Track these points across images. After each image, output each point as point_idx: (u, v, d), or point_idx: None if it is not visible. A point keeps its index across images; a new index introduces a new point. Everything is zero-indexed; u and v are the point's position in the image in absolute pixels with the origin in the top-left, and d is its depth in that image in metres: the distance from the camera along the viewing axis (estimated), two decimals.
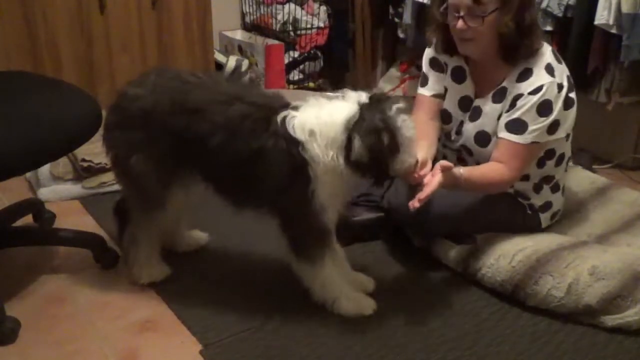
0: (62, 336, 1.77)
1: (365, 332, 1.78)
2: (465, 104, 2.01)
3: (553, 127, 1.84)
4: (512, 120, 1.84)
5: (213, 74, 1.80)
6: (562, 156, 2.00)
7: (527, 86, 1.83)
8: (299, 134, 1.64)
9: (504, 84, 1.89)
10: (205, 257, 2.14)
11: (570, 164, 2.56)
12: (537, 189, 2.02)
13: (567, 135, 1.97)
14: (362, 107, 1.62)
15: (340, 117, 1.62)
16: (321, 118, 1.64)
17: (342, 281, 1.84)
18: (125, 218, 1.97)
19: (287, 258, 1.82)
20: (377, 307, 1.85)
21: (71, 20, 3.00)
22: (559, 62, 1.88)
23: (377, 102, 1.64)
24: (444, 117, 2.06)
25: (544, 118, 1.81)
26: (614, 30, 2.56)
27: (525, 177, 1.97)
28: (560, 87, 1.82)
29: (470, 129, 1.98)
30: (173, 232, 2.08)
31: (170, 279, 1.99)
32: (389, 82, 3.89)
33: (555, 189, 2.05)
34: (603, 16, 2.55)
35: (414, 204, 1.63)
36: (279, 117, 1.66)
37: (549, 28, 2.81)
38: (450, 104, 2.04)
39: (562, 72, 1.86)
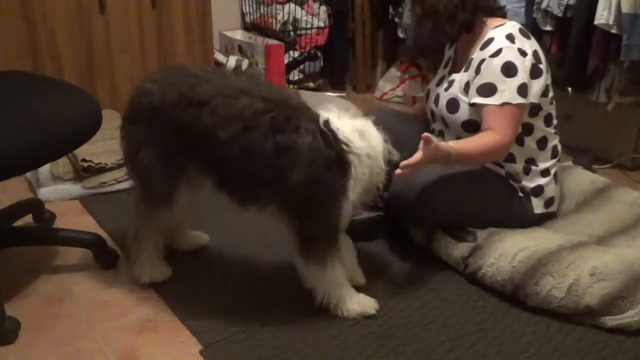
0: (62, 336, 1.77)
1: (365, 332, 1.78)
2: (440, 81, 2.18)
3: (523, 90, 1.90)
4: (481, 85, 1.92)
5: (222, 69, 1.83)
6: (544, 140, 2.05)
7: (487, 51, 1.94)
8: (347, 135, 1.71)
9: (472, 55, 2.00)
10: (205, 257, 2.15)
11: (570, 163, 2.58)
12: (526, 170, 2.06)
13: (548, 122, 2.04)
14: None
15: (377, 138, 1.77)
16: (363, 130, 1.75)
17: (347, 282, 1.84)
18: None
19: (294, 258, 1.81)
20: (379, 306, 1.86)
21: (71, 20, 3.01)
22: (526, 37, 1.97)
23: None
24: (427, 95, 2.23)
25: (511, 79, 1.89)
26: (614, 30, 2.56)
27: (512, 159, 2.03)
28: (522, 52, 1.91)
29: (443, 98, 2.08)
30: (176, 230, 2.08)
31: (170, 279, 1.99)
32: (389, 82, 3.89)
33: (545, 173, 2.08)
34: (603, 16, 2.55)
35: (397, 172, 1.68)
36: (321, 120, 1.71)
37: (549, 28, 2.81)
38: (432, 84, 2.23)
39: (526, 44, 1.94)
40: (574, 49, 2.73)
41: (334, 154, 1.68)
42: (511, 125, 1.90)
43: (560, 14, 2.73)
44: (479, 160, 1.95)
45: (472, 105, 1.96)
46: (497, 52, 1.90)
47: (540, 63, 1.96)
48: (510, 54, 1.89)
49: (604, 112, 2.80)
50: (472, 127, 1.99)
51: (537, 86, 1.95)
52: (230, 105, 1.69)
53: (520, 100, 1.89)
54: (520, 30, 1.96)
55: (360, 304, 1.84)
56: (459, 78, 2.04)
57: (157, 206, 1.86)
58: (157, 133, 1.78)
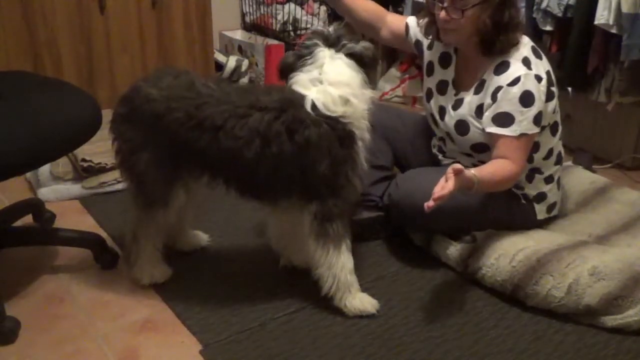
0: (62, 336, 1.77)
1: (365, 332, 1.78)
2: (441, 87, 2.08)
3: (538, 119, 1.87)
4: (497, 114, 1.87)
5: (222, 84, 1.84)
6: (550, 151, 2.03)
7: (504, 78, 1.87)
8: (335, 108, 1.72)
9: (484, 76, 1.94)
10: (205, 257, 2.14)
11: (570, 163, 2.57)
12: (529, 178, 2.04)
13: (554, 131, 2.01)
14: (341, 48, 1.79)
15: (349, 73, 1.77)
16: (342, 83, 1.75)
17: (353, 271, 1.85)
18: None
19: (311, 244, 1.80)
20: (379, 307, 1.86)
21: (71, 20, 3.01)
22: (539, 57, 1.92)
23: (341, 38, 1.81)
24: (427, 95, 2.14)
25: (528, 108, 1.84)
26: (614, 30, 2.56)
27: None
28: (538, 78, 1.86)
29: (452, 117, 2.03)
30: (176, 230, 2.08)
31: (170, 279, 1.98)
32: (389, 82, 3.89)
33: (548, 180, 2.07)
34: (603, 16, 2.55)
35: (429, 204, 1.62)
36: (307, 104, 1.71)
37: (549, 28, 2.81)
38: (432, 84, 2.12)
39: (540, 66, 1.90)
40: (574, 49, 2.73)
41: (338, 130, 1.72)
42: (525, 154, 1.89)
43: (560, 14, 2.73)
44: (495, 188, 1.89)
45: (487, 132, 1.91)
46: (516, 81, 1.84)
47: (553, 85, 1.92)
48: (528, 82, 1.83)
49: (604, 112, 2.80)
50: (482, 148, 1.96)
51: (549, 108, 1.92)
52: (245, 125, 1.71)
53: (536, 130, 1.87)
54: (533, 50, 1.91)
55: (362, 300, 1.85)
56: (469, 100, 1.97)
57: (153, 208, 1.86)
58: (157, 140, 1.78)
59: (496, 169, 1.85)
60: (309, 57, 1.78)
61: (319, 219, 1.78)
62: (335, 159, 1.73)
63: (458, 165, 1.66)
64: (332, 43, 1.79)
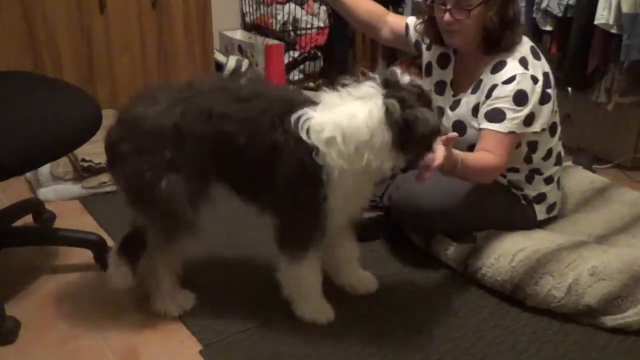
0: (62, 336, 1.77)
1: (365, 332, 1.78)
2: (439, 88, 2.08)
3: (529, 119, 1.86)
4: (490, 110, 1.87)
5: (220, 78, 1.78)
6: (549, 151, 2.03)
7: (500, 77, 1.87)
8: (314, 139, 1.57)
9: (481, 77, 1.94)
10: (205, 257, 2.14)
11: (570, 163, 2.57)
12: (529, 179, 2.04)
13: (553, 132, 2.01)
14: (391, 97, 1.56)
15: (362, 118, 1.56)
16: (344, 123, 1.56)
17: (315, 285, 1.80)
18: (137, 252, 1.84)
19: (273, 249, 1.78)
20: (334, 319, 1.81)
21: (71, 20, 3.01)
22: (537, 58, 1.92)
23: (395, 88, 1.59)
24: None
25: (521, 108, 1.84)
26: (614, 30, 2.56)
27: (516, 170, 2.01)
28: (534, 79, 1.86)
29: (450, 117, 2.03)
30: None
31: None
32: None
33: (548, 181, 2.07)
34: (603, 16, 2.55)
35: (424, 175, 1.57)
36: (293, 117, 1.59)
37: (549, 28, 2.81)
38: (430, 84, 2.12)
39: (538, 67, 1.89)
40: (574, 49, 2.72)
41: (305, 159, 1.58)
42: (509, 152, 1.87)
43: (560, 14, 2.73)
44: (474, 178, 1.87)
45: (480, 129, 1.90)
46: (511, 79, 1.84)
47: (549, 87, 1.91)
48: (523, 82, 1.83)
49: (604, 112, 2.80)
50: None
51: (546, 111, 1.91)
52: (243, 110, 1.63)
53: (525, 129, 1.87)
54: (532, 51, 1.91)
55: (314, 310, 1.81)
56: (466, 100, 1.97)
57: (182, 235, 1.72)
58: (182, 153, 1.64)
59: (480, 157, 1.85)
60: None
61: (280, 236, 1.75)
62: (288, 179, 1.64)
63: (453, 134, 1.63)
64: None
